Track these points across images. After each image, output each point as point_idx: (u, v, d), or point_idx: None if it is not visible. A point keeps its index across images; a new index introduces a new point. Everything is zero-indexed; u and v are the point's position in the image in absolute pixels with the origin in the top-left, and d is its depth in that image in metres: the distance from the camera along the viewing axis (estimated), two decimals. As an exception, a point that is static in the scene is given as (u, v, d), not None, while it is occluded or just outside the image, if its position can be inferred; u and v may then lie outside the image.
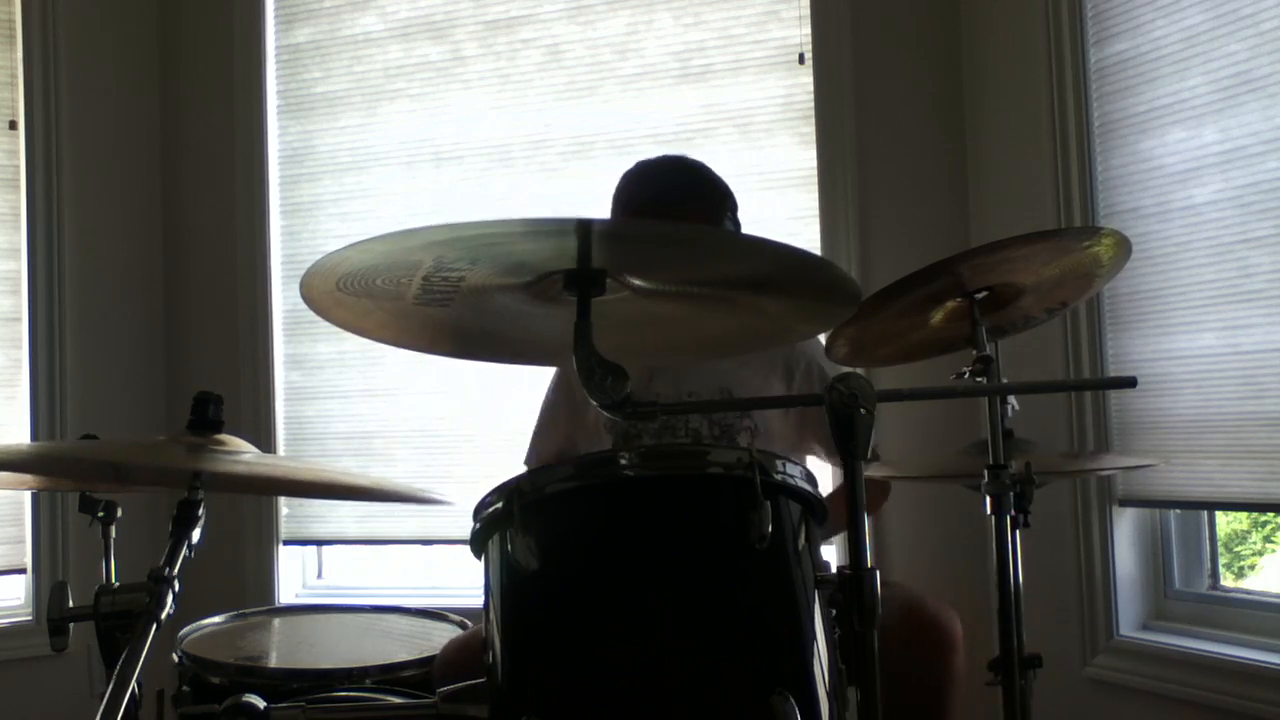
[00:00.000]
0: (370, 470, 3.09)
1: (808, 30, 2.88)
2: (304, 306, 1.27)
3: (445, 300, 1.28)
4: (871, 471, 1.82)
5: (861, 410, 1.15)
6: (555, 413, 2.24)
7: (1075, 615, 2.51)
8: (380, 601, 2.70)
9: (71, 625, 1.34)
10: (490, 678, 1.27)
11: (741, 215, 2.13)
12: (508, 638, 1.27)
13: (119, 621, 1.32)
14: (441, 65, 3.17)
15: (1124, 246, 1.57)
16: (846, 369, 1.45)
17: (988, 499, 1.51)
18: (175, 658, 1.89)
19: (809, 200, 2.88)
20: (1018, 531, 1.51)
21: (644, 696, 1.18)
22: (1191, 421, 2.30)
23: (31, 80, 3.12)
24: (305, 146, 3.28)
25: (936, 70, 2.87)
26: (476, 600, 1.34)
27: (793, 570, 1.24)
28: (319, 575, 3.38)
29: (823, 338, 1.77)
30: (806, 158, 2.89)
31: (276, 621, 2.30)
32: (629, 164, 2.13)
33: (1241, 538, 2.62)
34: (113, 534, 1.63)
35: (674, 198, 2.03)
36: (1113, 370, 2.46)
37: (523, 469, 2.18)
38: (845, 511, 1.17)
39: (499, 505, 1.27)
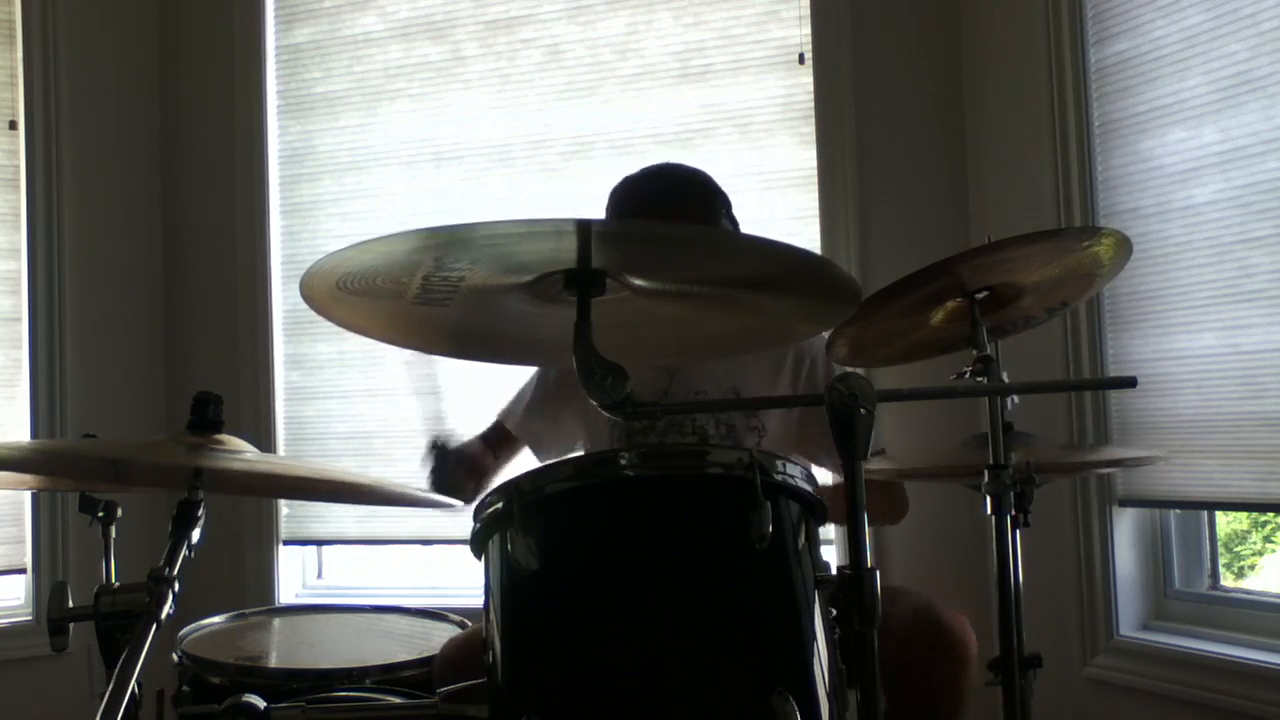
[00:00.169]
0: (370, 470, 3.08)
1: (808, 30, 2.88)
2: (304, 306, 1.27)
3: (445, 300, 1.27)
4: (876, 466, 1.82)
5: (861, 410, 1.15)
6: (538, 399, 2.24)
7: (1075, 615, 2.51)
8: (380, 601, 2.70)
9: (71, 625, 1.34)
10: (490, 678, 1.27)
11: (741, 215, 2.13)
12: (508, 638, 1.27)
13: (119, 621, 1.32)
14: (441, 65, 3.17)
15: (1124, 246, 1.57)
16: (849, 369, 1.45)
17: (988, 499, 1.51)
18: (175, 658, 1.89)
19: (809, 200, 2.88)
20: (1018, 531, 1.51)
21: (644, 696, 1.18)
22: (1191, 421, 2.30)
23: (31, 80, 3.12)
24: (305, 146, 3.28)
25: (936, 70, 2.87)
26: (476, 600, 1.34)
27: (793, 570, 1.24)
28: (319, 575, 3.38)
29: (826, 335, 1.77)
30: (806, 158, 2.89)
31: (276, 621, 2.30)
32: (629, 164, 2.13)
33: (1241, 538, 2.62)
34: (113, 534, 1.63)
35: (669, 198, 2.03)
36: (1113, 370, 2.46)
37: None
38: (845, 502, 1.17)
39: (499, 505, 1.27)
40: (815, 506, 1.30)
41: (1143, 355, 2.39)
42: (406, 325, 1.39)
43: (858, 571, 1.14)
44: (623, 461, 1.33)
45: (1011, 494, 1.50)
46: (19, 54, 3.12)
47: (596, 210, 2.10)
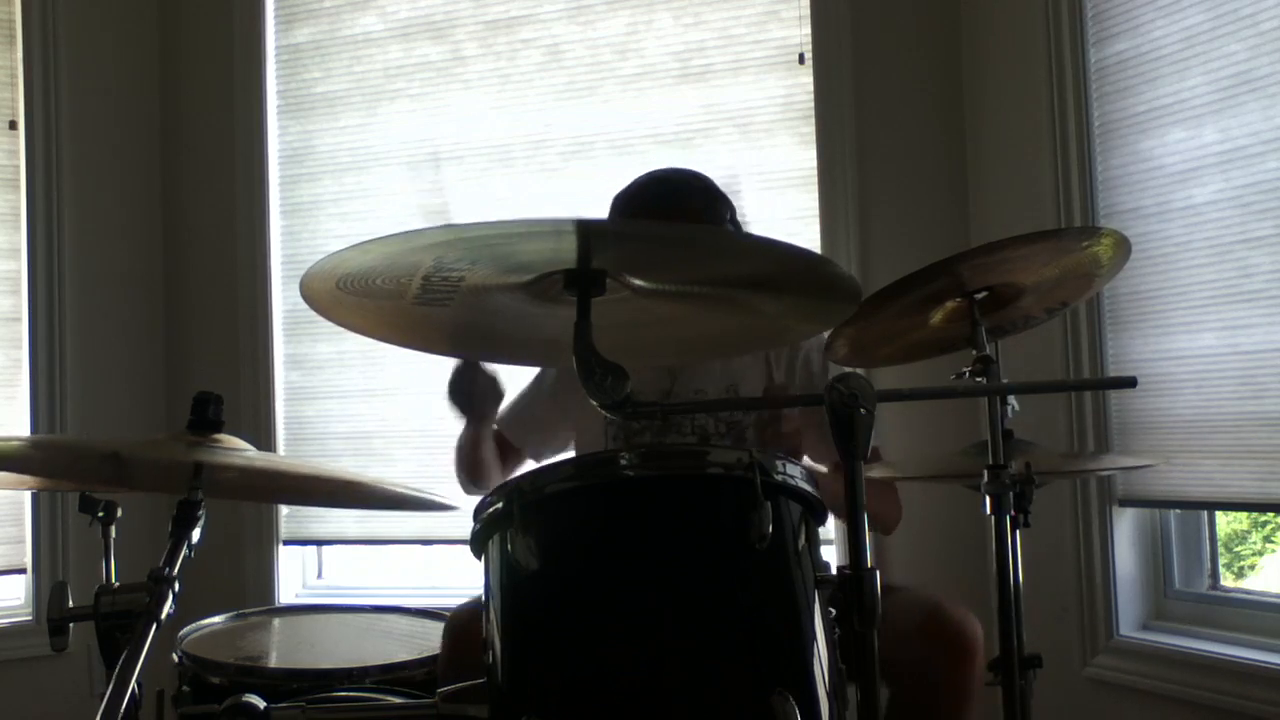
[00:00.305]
0: (370, 470, 3.08)
1: (808, 30, 2.88)
2: (304, 306, 1.27)
3: (445, 300, 1.27)
4: (876, 472, 1.82)
5: (861, 410, 1.15)
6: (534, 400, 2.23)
7: (1075, 615, 2.51)
8: (380, 601, 2.70)
9: (71, 625, 1.34)
10: (490, 678, 1.27)
11: (741, 215, 2.12)
12: (508, 638, 1.27)
13: (119, 621, 1.32)
14: (441, 65, 3.17)
15: (1124, 246, 1.57)
16: (847, 369, 1.45)
17: (988, 499, 1.51)
18: (175, 658, 1.88)
19: (809, 200, 2.88)
20: (1018, 531, 1.51)
21: (644, 696, 1.18)
22: (1191, 421, 2.30)
23: (31, 80, 3.12)
24: (305, 146, 3.28)
25: (936, 70, 2.87)
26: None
27: (793, 570, 1.24)
28: (319, 575, 3.38)
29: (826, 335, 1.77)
30: (806, 158, 2.89)
31: (276, 621, 2.30)
32: (629, 164, 2.13)
33: (1241, 538, 2.62)
34: (113, 534, 1.63)
35: (670, 200, 2.03)
36: (1113, 370, 2.46)
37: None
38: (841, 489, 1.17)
39: (499, 505, 1.27)
40: (815, 506, 1.30)
41: (1143, 355, 2.39)
42: (406, 325, 1.39)
43: (858, 571, 1.14)
44: (623, 461, 1.33)
45: (1011, 494, 1.49)
46: (19, 54, 3.12)
47: (597, 210, 2.10)
